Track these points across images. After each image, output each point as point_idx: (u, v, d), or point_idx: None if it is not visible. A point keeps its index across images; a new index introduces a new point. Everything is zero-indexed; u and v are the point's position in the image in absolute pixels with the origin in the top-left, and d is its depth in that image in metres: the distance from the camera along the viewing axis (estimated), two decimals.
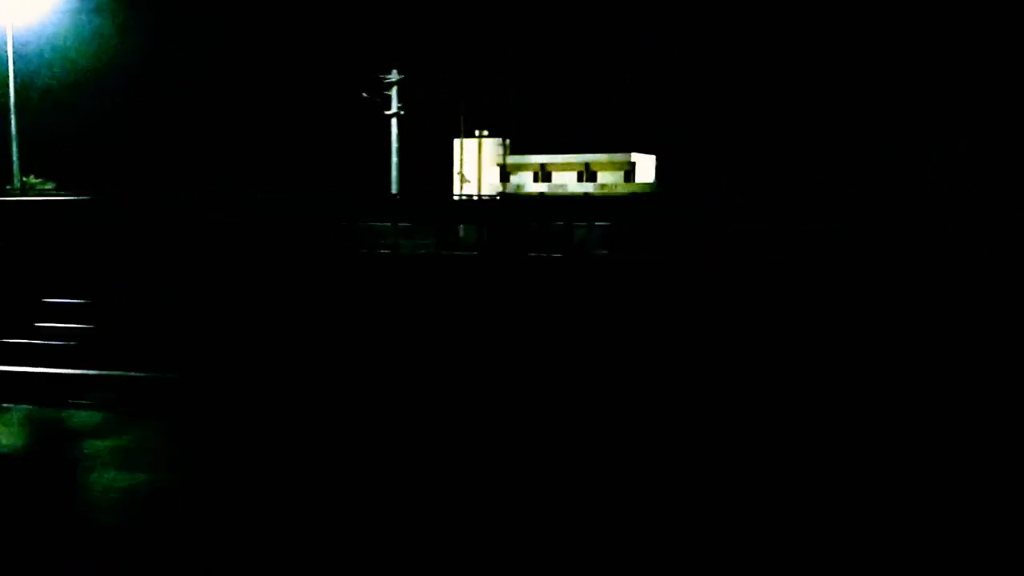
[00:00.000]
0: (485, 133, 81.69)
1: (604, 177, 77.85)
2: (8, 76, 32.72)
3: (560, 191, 78.58)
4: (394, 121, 42.06)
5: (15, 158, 32.72)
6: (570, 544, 6.77)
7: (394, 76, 42.72)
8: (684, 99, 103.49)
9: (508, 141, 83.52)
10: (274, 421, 11.02)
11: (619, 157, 77.03)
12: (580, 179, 78.73)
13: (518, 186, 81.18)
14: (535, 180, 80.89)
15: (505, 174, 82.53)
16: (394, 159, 41.32)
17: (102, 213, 18.07)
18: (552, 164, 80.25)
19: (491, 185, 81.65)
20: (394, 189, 42.01)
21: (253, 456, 9.73)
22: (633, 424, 10.16)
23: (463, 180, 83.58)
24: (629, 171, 76.86)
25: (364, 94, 42.86)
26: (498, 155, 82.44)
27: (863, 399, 10.34)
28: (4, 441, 10.35)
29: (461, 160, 79.38)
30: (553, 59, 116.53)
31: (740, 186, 71.94)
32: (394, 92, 42.94)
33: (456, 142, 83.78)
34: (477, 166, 73.86)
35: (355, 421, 10.92)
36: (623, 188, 76.19)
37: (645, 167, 78.23)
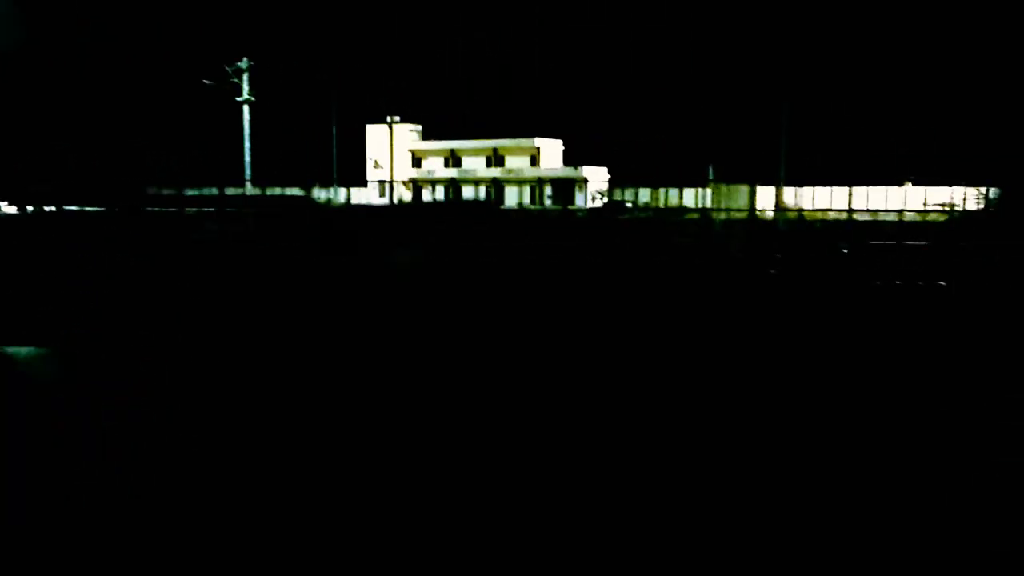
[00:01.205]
0: (397, 119, 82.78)
1: (512, 162, 79.28)
2: None
3: (470, 176, 79.99)
4: (245, 108, 43.17)
5: None
6: None
7: (244, 63, 43.81)
8: (591, 84, 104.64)
9: (420, 127, 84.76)
10: None
11: (525, 143, 78.47)
12: (489, 164, 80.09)
13: (429, 171, 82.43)
14: (446, 165, 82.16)
15: (417, 160, 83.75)
16: (247, 145, 42.44)
17: None
18: (462, 150, 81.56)
19: (403, 171, 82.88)
20: (247, 175, 43.17)
21: None
22: None
23: (376, 166, 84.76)
24: (535, 156, 78.24)
25: (206, 81, 44.00)
26: (410, 141, 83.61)
27: None
28: None
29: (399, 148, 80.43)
30: (465, 44, 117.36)
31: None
32: (245, 79, 44.03)
33: (369, 128, 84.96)
34: (389, 152, 74.92)
35: None
36: (530, 173, 77.73)
37: (551, 152, 79.63)
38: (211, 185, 60.12)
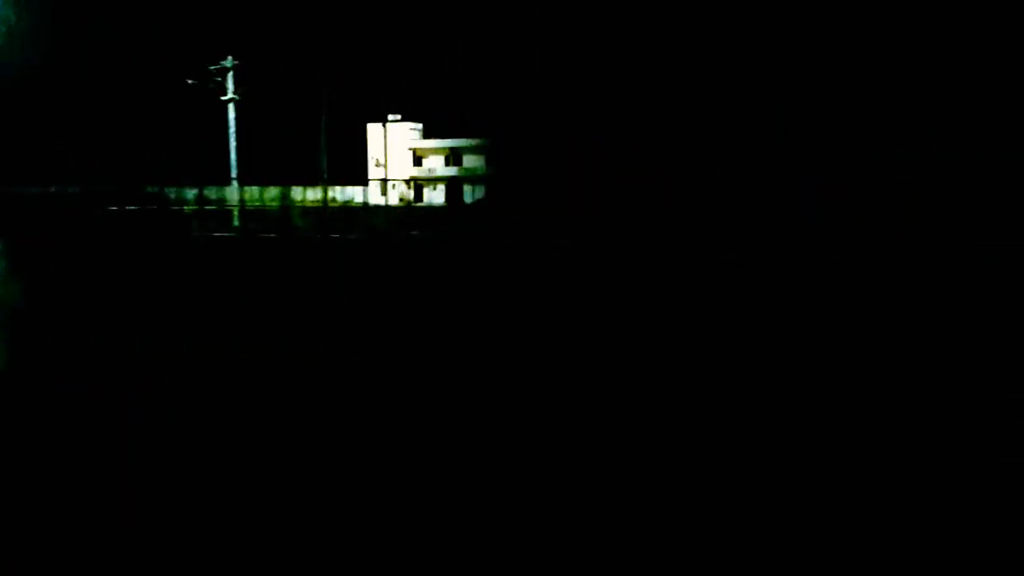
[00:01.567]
0: (398, 117, 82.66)
1: None
2: None
3: (470, 174, 79.70)
4: (230, 107, 43.24)
5: None
6: None
7: (229, 62, 43.83)
8: (590, 83, 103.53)
9: (421, 126, 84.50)
10: None
11: None
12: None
13: (430, 170, 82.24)
14: (447, 164, 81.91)
15: (418, 159, 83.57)
16: (232, 143, 42.47)
17: None
18: (462, 147, 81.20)
19: (404, 170, 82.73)
20: (233, 174, 43.23)
21: None
22: None
23: (377, 165, 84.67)
24: None
25: (189, 80, 44.11)
26: (410, 139, 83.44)
27: None
28: None
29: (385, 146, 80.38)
30: (465, 43, 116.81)
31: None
32: (229, 78, 44.01)
33: (370, 127, 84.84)
34: (383, 151, 74.89)
35: None
36: None
37: None
38: (194, 185, 60.45)
